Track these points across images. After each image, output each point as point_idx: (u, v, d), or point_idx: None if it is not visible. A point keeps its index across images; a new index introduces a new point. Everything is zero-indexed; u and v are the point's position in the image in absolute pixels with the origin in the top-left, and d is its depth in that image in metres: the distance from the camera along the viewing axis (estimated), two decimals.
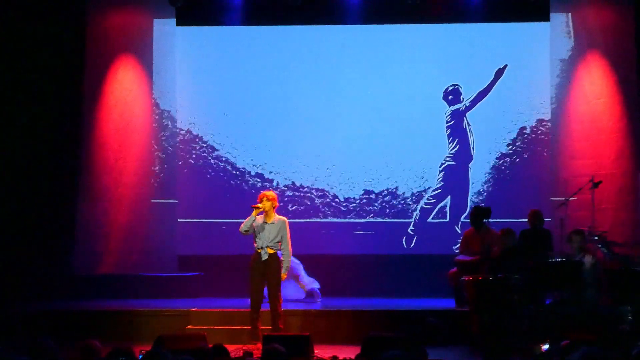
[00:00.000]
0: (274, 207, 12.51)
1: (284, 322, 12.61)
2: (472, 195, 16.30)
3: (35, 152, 15.89)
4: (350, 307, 14.24)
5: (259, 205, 12.40)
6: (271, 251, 12.40)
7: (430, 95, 16.35)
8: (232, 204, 16.14)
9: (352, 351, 10.29)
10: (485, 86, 16.29)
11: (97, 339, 7.56)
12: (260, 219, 12.45)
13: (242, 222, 12.50)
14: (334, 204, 16.44)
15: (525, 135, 16.23)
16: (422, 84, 16.34)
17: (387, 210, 16.39)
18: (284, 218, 12.67)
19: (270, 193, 12.65)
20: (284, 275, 12.55)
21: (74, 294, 15.57)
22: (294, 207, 16.25)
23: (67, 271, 15.86)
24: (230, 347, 10.17)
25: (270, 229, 12.41)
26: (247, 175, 16.45)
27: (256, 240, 12.46)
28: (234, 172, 16.47)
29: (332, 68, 16.48)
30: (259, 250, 12.42)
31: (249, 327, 12.44)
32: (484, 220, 14.16)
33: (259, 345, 11.69)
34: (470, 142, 16.33)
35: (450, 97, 16.39)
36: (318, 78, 16.45)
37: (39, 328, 13.13)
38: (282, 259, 12.51)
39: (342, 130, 16.34)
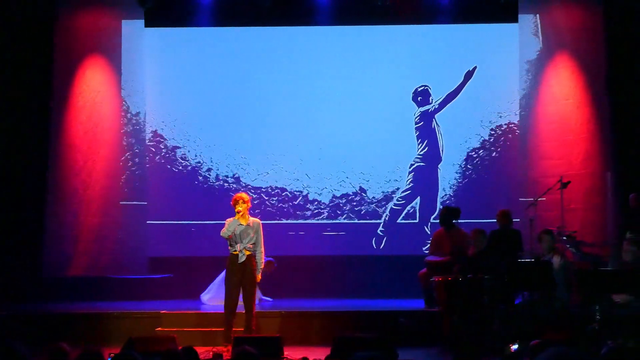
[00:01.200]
0: (247, 208, 12.53)
1: (256, 323, 12.60)
2: (442, 196, 16.33)
3: (3, 154, 15.79)
4: (320, 308, 14.22)
5: (239, 208, 12.38)
6: (248, 253, 12.40)
7: (399, 96, 16.37)
8: (202, 206, 16.13)
9: (323, 352, 10.26)
10: (454, 88, 16.34)
11: (67, 342, 7.50)
12: (236, 221, 12.45)
13: (224, 226, 12.43)
14: (304, 205, 16.43)
15: (494, 136, 16.29)
16: (391, 85, 16.37)
17: (357, 211, 16.40)
18: (258, 220, 12.69)
19: (245, 195, 12.64)
20: (258, 276, 12.56)
21: (44, 296, 15.48)
22: (264, 209, 16.22)
23: (36, 273, 15.76)
24: (200, 349, 10.14)
25: (247, 231, 12.41)
26: (216, 177, 16.41)
27: (233, 242, 12.43)
28: (204, 173, 16.43)
29: (301, 69, 16.47)
30: (236, 253, 12.40)
31: (223, 329, 12.41)
32: (454, 221, 14.22)
33: (230, 347, 11.67)
34: (440, 143, 16.37)
35: (419, 98, 16.42)
36: (288, 79, 16.44)
37: (8, 331, 13.02)
38: (256, 260, 12.52)
39: (311, 131, 16.35)
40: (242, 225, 12.42)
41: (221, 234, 12.48)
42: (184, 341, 10.84)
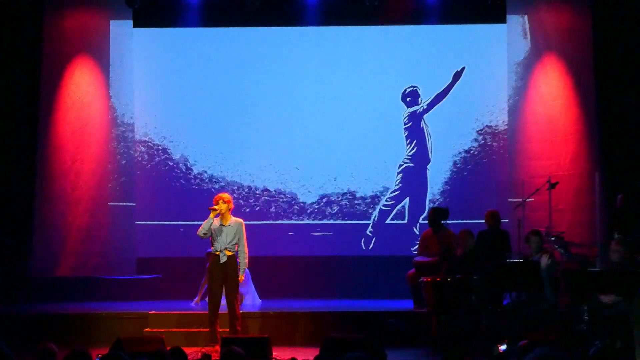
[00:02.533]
0: (229, 209, 12.47)
1: (242, 324, 12.58)
2: (430, 197, 16.34)
3: None
4: (309, 308, 14.25)
5: (216, 207, 12.36)
6: (229, 253, 12.36)
7: (388, 97, 16.38)
8: (190, 207, 16.09)
9: (311, 353, 10.27)
10: (443, 89, 16.35)
11: (54, 343, 7.50)
12: (217, 221, 12.42)
13: (201, 225, 12.45)
14: (292, 205, 16.43)
15: (483, 137, 16.30)
16: (380, 85, 16.38)
17: (346, 211, 16.40)
18: (240, 220, 12.63)
19: (226, 195, 12.59)
20: (241, 277, 12.52)
21: (31, 296, 15.47)
22: (252, 209, 16.21)
23: (23, 274, 15.72)
24: (189, 350, 10.14)
25: (227, 231, 12.38)
26: (205, 178, 16.40)
27: (214, 243, 12.42)
28: (192, 174, 16.41)
29: (290, 70, 16.47)
30: (217, 253, 12.38)
31: (208, 330, 12.40)
32: (442, 221, 14.22)
33: (217, 348, 11.67)
34: (428, 143, 16.38)
35: (408, 99, 16.43)
36: (276, 80, 16.43)
37: None
38: (239, 260, 12.49)
39: (300, 131, 16.35)
40: (218, 225, 12.39)
41: (198, 233, 12.49)
42: (172, 342, 10.86)
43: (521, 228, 14.54)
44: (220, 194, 12.61)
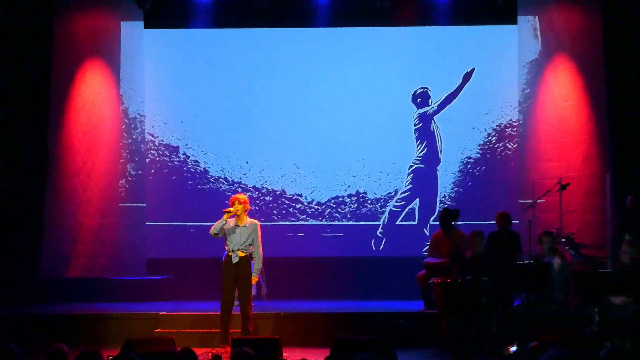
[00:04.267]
0: (245, 210, 12.49)
1: (254, 325, 12.58)
2: (441, 198, 16.32)
3: (2, 155, 15.78)
4: (319, 309, 14.26)
5: (231, 208, 12.37)
6: (242, 254, 12.37)
7: (398, 98, 16.37)
8: (201, 207, 16.12)
9: (322, 354, 10.25)
10: (453, 90, 16.33)
11: (65, 343, 7.50)
12: (231, 222, 12.42)
13: (213, 225, 12.47)
14: (303, 206, 16.42)
15: (493, 138, 16.28)
16: (390, 86, 16.35)
17: (356, 212, 16.39)
18: (256, 221, 12.65)
19: (242, 196, 12.61)
20: (255, 278, 12.53)
21: (41, 297, 15.50)
22: (263, 210, 16.21)
23: (34, 274, 15.78)
24: (199, 351, 10.13)
25: (241, 232, 12.39)
26: (215, 179, 16.41)
27: (227, 243, 12.43)
28: (203, 175, 16.43)
29: (300, 71, 16.46)
30: (230, 253, 12.40)
31: (219, 331, 12.40)
32: (453, 223, 14.20)
33: (228, 349, 11.67)
34: (438, 144, 16.36)
35: (418, 100, 16.41)
36: (286, 81, 16.42)
37: (5, 332, 13.00)
38: (253, 262, 12.49)
39: (310, 132, 16.34)
40: (235, 226, 12.40)
41: (209, 232, 12.51)
42: (182, 342, 10.82)
43: (532, 229, 14.52)
44: (237, 195, 12.63)
